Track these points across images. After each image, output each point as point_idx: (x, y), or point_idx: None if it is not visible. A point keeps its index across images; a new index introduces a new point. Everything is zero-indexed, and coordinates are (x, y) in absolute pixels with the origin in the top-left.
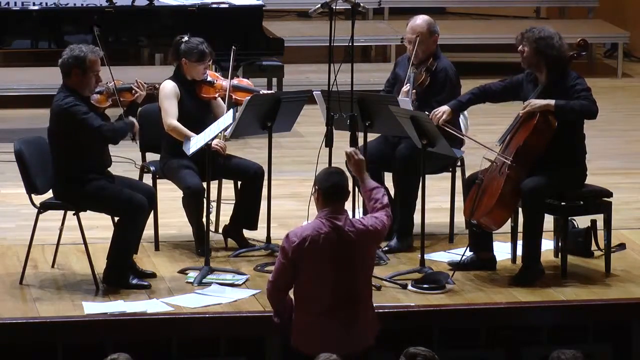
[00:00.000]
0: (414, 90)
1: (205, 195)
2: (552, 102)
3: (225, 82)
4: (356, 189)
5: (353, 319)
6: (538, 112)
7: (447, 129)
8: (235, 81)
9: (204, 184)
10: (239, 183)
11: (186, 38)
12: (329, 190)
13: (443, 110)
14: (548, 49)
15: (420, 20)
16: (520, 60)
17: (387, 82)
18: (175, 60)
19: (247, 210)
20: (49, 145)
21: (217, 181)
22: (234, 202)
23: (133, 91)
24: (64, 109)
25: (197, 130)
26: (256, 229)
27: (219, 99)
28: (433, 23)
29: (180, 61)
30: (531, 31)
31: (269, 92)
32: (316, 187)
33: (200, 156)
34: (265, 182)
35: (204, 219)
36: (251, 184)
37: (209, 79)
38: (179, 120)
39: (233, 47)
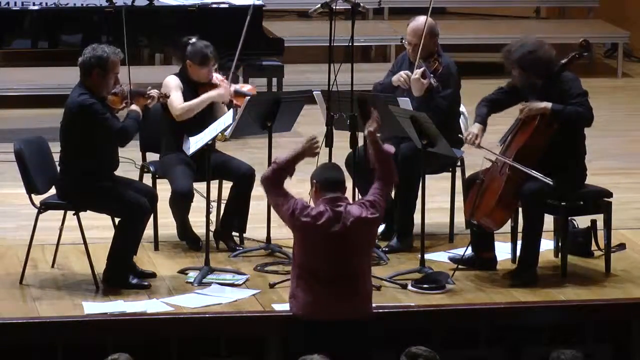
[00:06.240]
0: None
1: (206, 195)
2: (549, 105)
3: (229, 87)
4: (356, 189)
5: (353, 289)
6: (538, 114)
7: (486, 150)
8: (237, 86)
9: (203, 184)
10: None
11: (193, 40)
12: (326, 182)
13: (475, 132)
14: (535, 64)
15: (422, 22)
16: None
17: (385, 76)
18: (180, 60)
19: (235, 214)
20: (60, 142)
21: (217, 181)
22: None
23: (146, 95)
24: (86, 106)
25: (196, 131)
26: (245, 232)
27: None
28: (434, 24)
29: (185, 62)
30: (512, 52)
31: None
32: (313, 180)
33: (198, 155)
34: None
35: (204, 219)
36: (241, 185)
37: (213, 81)
38: (179, 120)
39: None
